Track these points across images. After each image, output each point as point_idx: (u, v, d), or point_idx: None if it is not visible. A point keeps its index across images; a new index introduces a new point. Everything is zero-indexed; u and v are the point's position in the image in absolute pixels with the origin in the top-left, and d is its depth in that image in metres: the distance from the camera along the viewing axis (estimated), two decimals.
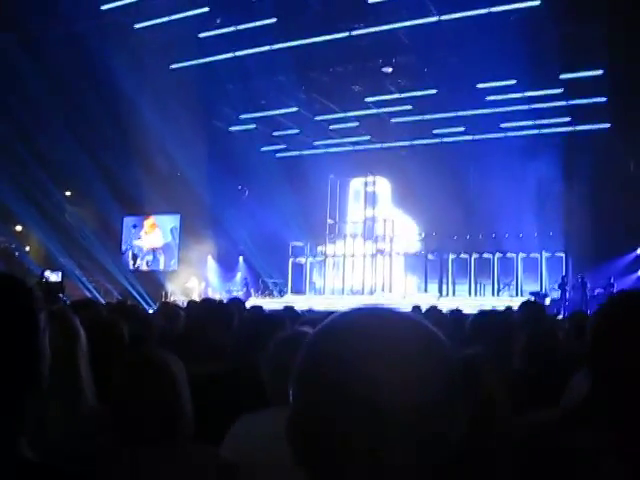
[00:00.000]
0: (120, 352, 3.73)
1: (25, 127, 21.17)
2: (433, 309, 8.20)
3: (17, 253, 25.52)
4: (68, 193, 28.50)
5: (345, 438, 0.94)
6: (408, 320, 1.04)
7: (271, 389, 2.77)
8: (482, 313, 4.90)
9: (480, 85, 22.92)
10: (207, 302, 5.66)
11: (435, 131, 27.60)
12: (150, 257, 31.79)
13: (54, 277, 21.10)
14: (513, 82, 22.36)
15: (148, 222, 32.33)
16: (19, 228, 26.93)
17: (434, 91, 23.66)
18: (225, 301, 10.90)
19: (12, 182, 21.78)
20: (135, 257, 30.59)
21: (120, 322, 3.98)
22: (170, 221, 32.25)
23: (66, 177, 25.47)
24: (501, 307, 11.55)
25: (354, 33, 20.51)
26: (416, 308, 9.71)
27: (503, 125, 26.14)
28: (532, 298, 22.94)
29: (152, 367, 2.38)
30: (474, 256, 27.40)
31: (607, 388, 1.73)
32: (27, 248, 27.01)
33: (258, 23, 20.34)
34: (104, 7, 19.82)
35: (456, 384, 0.98)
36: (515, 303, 10.79)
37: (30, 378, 1.27)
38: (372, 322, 1.02)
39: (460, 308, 9.72)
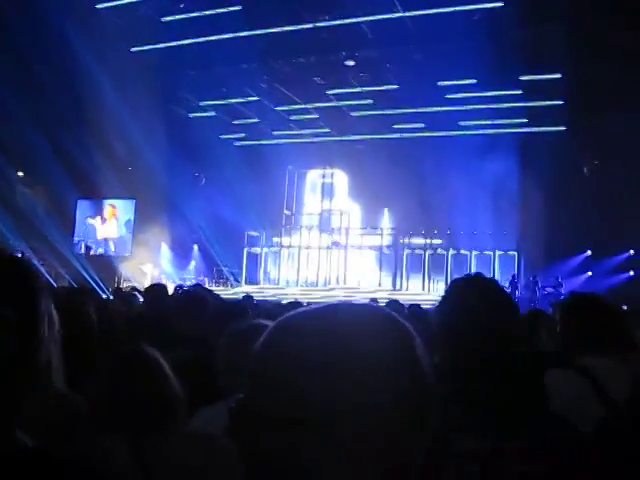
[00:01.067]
0: (89, 337, 3.71)
1: None
2: (394, 302, 8.20)
3: None
4: (20, 173, 27.95)
5: (294, 439, 0.88)
6: (375, 314, 0.99)
7: (224, 380, 2.80)
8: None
9: (441, 83, 23.18)
10: (183, 290, 5.62)
11: (395, 126, 27.78)
12: (102, 250, 31.37)
13: None
14: (474, 81, 22.63)
15: (107, 211, 31.90)
16: None
17: (395, 86, 23.84)
18: (187, 288, 10.90)
19: None
20: (88, 249, 30.16)
21: (89, 307, 3.96)
22: (125, 211, 31.86)
23: (19, 157, 24.97)
24: None
25: (318, 25, 20.51)
26: (373, 301, 9.80)
27: (462, 123, 26.47)
28: None
29: (144, 358, 2.40)
30: (428, 252, 27.72)
31: None
32: None
33: (223, 9, 20.19)
34: None
35: (422, 380, 0.93)
36: None
37: (29, 364, 1.25)
38: (334, 316, 0.96)
39: (417, 303, 9.85)
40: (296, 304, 6.91)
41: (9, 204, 24.93)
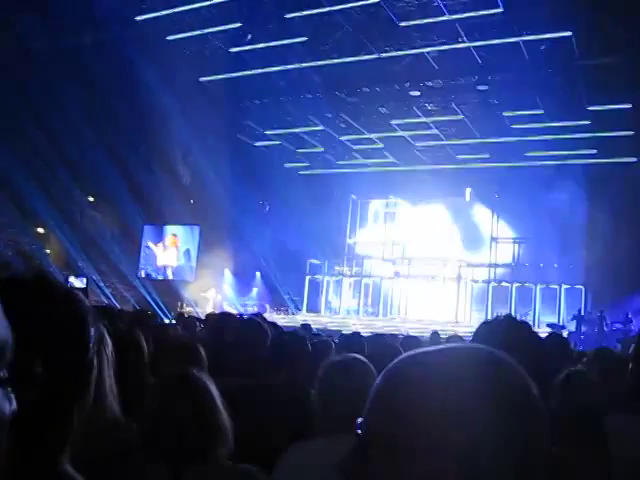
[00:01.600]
0: (141, 367, 3.74)
1: (53, 130, 21.38)
2: (455, 338, 7.93)
3: (38, 255, 25.70)
4: (91, 198, 28.72)
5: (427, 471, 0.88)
6: (486, 362, 0.97)
7: (322, 414, 2.73)
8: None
9: (507, 113, 22.92)
10: (246, 319, 5.53)
11: (459, 156, 27.58)
12: (161, 277, 31.72)
13: (78, 283, 21.21)
14: (540, 112, 22.29)
15: (168, 239, 32.36)
16: (41, 230, 27.15)
17: (460, 117, 23.68)
18: (246, 316, 10.95)
19: (36, 184, 21.99)
20: (148, 275, 30.64)
21: (141, 336, 3.99)
22: (186, 240, 32.25)
23: (90, 182, 25.68)
24: None
25: (384, 55, 20.58)
26: (435, 334, 9.65)
27: (528, 154, 26.07)
28: (549, 330, 22.79)
29: (189, 385, 2.39)
30: (492, 284, 27.28)
31: None
32: (47, 251, 27.20)
33: (289, 41, 20.46)
34: (138, 18, 20.06)
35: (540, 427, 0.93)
36: None
37: (78, 392, 1.23)
38: (451, 360, 0.97)
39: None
40: (356, 336, 6.81)
41: (79, 227, 25.64)
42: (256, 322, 4.60)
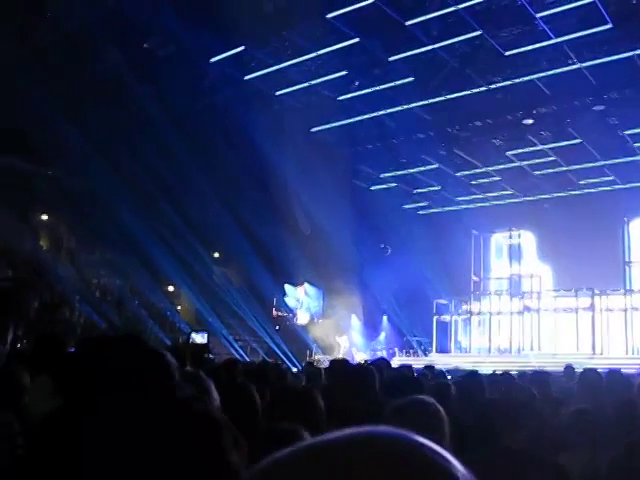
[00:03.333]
0: (253, 419, 3.76)
1: (175, 191, 22.37)
2: (590, 371, 7.14)
3: (169, 313, 26.68)
4: (216, 254, 29.61)
5: None
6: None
7: None
8: None
9: (627, 132, 21.99)
10: (343, 363, 5.33)
11: (581, 181, 26.65)
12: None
13: (199, 338, 21.87)
14: None
15: (303, 300, 32.89)
16: (171, 288, 28.22)
17: (578, 140, 22.91)
18: (369, 361, 10.87)
19: (164, 244, 22.97)
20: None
21: (252, 388, 4.01)
22: (316, 295, 32.70)
23: (214, 239, 26.49)
24: None
25: (492, 86, 20.33)
26: (569, 368, 9.19)
27: None
28: None
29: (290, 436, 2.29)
30: (629, 311, 25.92)
31: None
32: (178, 307, 28.19)
33: (395, 83, 20.59)
34: (247, 77, 20.79)
35: None
36: None
37: None
38: None
39: (617, 367, 9.00)
40: (475, 374, 6.54)
41: (206, 284, 26.46)
42: (365, 367, 4.46)
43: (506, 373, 8.24)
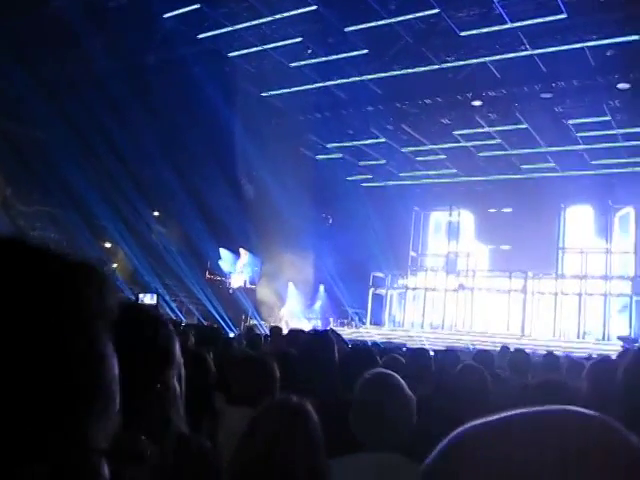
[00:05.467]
0: (208, 387, 3.76)
1: (120, 146, 21.91)
2: (520, 352, 7.42)
3: (105, 269, 26.22)
4: (156, 213, 29.23)
5: None
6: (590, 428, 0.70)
7: (356, 429, 2.69)
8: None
9: (572, 121, 22.45)
10: (315, 334, 5.18)
11: (523, 166, 27.14)
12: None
13: (148, 299, 21.59)
14: (607, 118, 21.78)
15: (240, 265, 32.83)
16: (108, 245, 27.78)
17: (524, 126, 23.28)
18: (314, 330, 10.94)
19: (104, 200, 22.56)
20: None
21: (208, 356, 4.01)
22: (254, 261, 32.74)
23: (155, 197, 26.14)
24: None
25: (444, 65, 20.45)
26: (505, 348, 9.42)
27: (594, 162, 25.47)
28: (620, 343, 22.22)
29: (301, 413, 2.16)
30: (560, 297, 26.68)
31: None
32: (115, 265, 27.78)
33: (349, 54, 20.52)
34: (200, 36, 20.43)
35: None
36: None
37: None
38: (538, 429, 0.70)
39: (550, 350, 9.27)
40: (423, 350, 6.65)
41: (145, 242, 26.12)
42: (325, 337, 4.42)
43: (451, 350, 8.46)
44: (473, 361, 5.23)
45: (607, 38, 17.65)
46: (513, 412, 0.71)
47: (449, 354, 6.30)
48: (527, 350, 8.33)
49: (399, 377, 2.74)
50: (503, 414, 0.72)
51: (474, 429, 0.72)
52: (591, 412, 0.70)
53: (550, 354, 8.27)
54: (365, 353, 4.39)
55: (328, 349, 4.06)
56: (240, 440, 2.17)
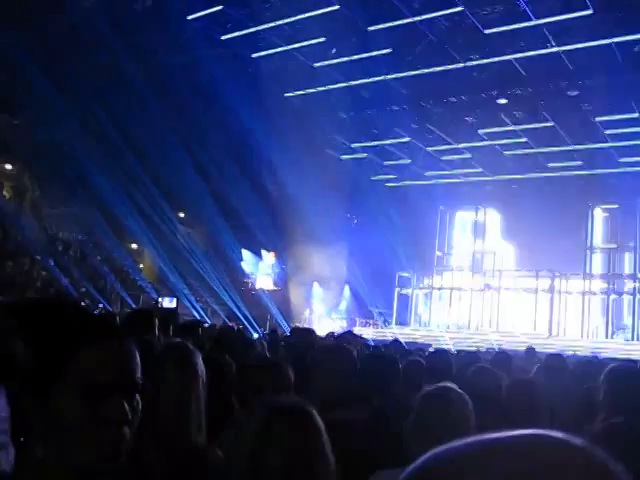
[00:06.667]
0: (226, 394, 3.72)
1: (145, 149, 22.04)
2: (556, 356, 7.10)
3: (131, 270, 26.44)
4: (182, 214, 29.38)
5: None
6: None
7: (414, 445, 2.60)
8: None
9: (599, 118, 22.15)
10: (333, 346, 4.84)
11: (550, 164, 26.87)
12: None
13: (167, 303, 21.68)
14: (635, 115, 21.46)
15: (264, 267, 32.96)
16: (134, 246, 28.00)
17: (550, 124, 23.04)
18: (337, 333, 10.89)
19: (130, 202, 22.72)
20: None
21: (226, 362, 3.97)
22: (279, 262, 32.88)
23: (181, 199, 26.28)
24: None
25: (469, 64, 20.29)
26: (530, 349, 9.30)
27: (622, 159, 25.13)
28: None
29: (300, 422, 2.01)
30: (587, 295, 26.38)
31: None
32: (140, 266, 28.00)
33: (373, 53, 20.44)
34: (224, 37, 20.49)
35: None
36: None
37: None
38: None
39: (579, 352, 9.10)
40: (443, 353, 6.52)
41: (171, 243, 26.29)
42: (345, 350, 4.24)
43: (473, 353, 8.34)
44: (491, 364, 5.15)
45: (635, 34, 17.41)
46: (475, 438, 0.68)
47: (470, 356, 6.20)
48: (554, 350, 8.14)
49: (460, 392, 2.67)
50: (469, 439, 0.67)
51: (432, 457, 0.69)
52: (562, 436, 0.66)
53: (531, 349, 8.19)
54: (385, 359, 4.31)
55: (344, 361, 3.93)
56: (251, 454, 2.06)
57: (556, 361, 6.38)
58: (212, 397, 2.76)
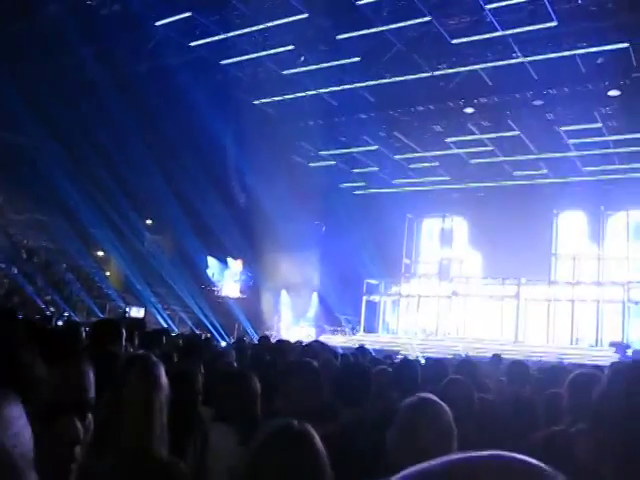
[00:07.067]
0: (192, 405, 3.71)
1: (111, 156, 21.86)
2: (519, 364, 7.21)
3: (97, 278, 26.17)
4: (149, 222, 29.15)
5: None
6: None
7: (398, 456, 2.56)
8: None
9: (563, 128, 22.50)
10: (299, 363, 4.72)
11: (515, 173, 27.20)
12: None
13: (135, 312, 21.44)
14: (598, 125, 21.84)
15: (230, 274, 32.65)
16: (101, 253, 27.70)
17: (516, 133, 23.34)
18: (305, 342, 10.84)
19: (96, 208, 22.47)
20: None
21: (195, 375, 3.94)
22: (245, 270, 32.63)
23: (148, 206, 26.08)
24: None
25: (436, 73, 20.48)
26: (496, 356, 9.36)
27: (585, 168, 25.54)
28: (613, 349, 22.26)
29: (307, 441, 2.02)
30: (552, 303, 26.67)
31: None
32: (107, 273, 27.70)
33: (342, 61, 20.54)
34: (193, 43, 20.41)
35: None
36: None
37: None
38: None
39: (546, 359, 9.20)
40: (409, 362, 6.54)
41: (138, 250, 26.06)
42: (312, 367, 4.17)
43: (439, 362, 8.37)
44: (455, 371, 5.19)
45: (597, 46, 17.75)
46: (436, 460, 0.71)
47: (436, 365, 6.21)
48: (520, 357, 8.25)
49: (442, 404, 2.68)
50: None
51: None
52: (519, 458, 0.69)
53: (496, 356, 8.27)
54: (355, 371, 4.30)
55: (309, 378, 3.90)
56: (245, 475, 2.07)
57: (519, 368, 6.48)
58: (178, 409, 2.75)
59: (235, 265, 32.40)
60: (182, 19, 19.37)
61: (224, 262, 32.13)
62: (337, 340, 25.67)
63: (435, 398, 2.70)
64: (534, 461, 0.69)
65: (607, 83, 19.38)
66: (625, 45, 17.38)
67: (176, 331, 16.97)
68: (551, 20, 16.70)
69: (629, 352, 22.35)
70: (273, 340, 10.14)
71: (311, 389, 3.74)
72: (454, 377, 4.19)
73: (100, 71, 20.15)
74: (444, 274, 29.87)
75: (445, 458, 0.71)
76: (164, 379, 2.57)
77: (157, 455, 2.44)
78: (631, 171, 24.95)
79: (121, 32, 19.80)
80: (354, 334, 28.96)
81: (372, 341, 24.49)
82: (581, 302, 26.20)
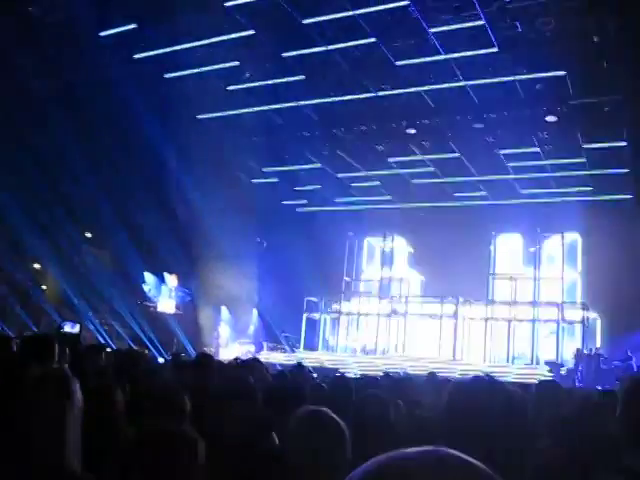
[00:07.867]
0: (115, 421, 3.65)
1: (50, 167, 21.41)
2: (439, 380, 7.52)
3: (32, 292, 25.53)
4: (88, 235, 28.63)
5: None
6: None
7: (291, 469, 2.61)
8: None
9: (503, 151, 23.04)
10: (231, 379, 4.83)
11: (456, 194, 27.67)
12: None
13: (69, 328, 20.97)
14: (536, 149, 22.44)
15: (166, 290, 32.00)
16: (37, 266, 27.07)
17: (457, 154, 23.78)
18: (242, 359, 10.77)
19: (32, 220, 21.94)
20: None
21: (116, 390, 3.88)
22: (184, 285, 32.03)
23: (86, 219, 25.61)
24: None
25: (380, 94, 20.75)
26: (431, 375, 9.47)
27: (524, 191, 26.16)
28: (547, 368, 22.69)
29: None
30: (490, 321, 27.11)
31: None
32: (43, 287, 27.07)
33: (287, 79, 20.64)
34: (137, 56, 20.22)
35: None
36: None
37: None
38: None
39: (483, 374, 9.40)
40: (343, 379, 6.61)
41: (75, 264, 25.54)
42: (246, 384, 4.20)
43: (373, 379, 8.43)
44: (389, 389, 5.25)
45: (536, 72, 18.28)
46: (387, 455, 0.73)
47: (370, 382, 6.28)
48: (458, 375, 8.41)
49: (331, 414, 2.68)
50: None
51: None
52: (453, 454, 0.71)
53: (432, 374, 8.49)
54: (289, 389, 4.31)
55: (243, 395, 3.92)
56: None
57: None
58: (97, 425, 2.71)
59: (171, 280, 31.92)
60: (127, 31, 19.18)
61: (161, 277, 31.66)
62: (277, 357, 25.58)
63: (326, 410, 2.74)
64: (469, 458, 0.71)
65: (545, 109, 19.93)
66: (562, 73, 17.93)
67: (113, 347, 16.66)
68: (492, 46, 17.13)
69: (563, 371, 22.86)
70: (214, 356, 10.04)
71: (244, 407, 3.75)
72: (371, 392, 4.25)
73: (40, 80, 19.77)
74: (384, 293, 30.07)
75: (375, 458, 0.72)
76: (78, 394, 2.55)
77: (70, 471, 2.41)
78: (567, 195, 25.67)
79: (63, 41, 19.49)
80: (294, 351, 28.89)
81: (311, 358, 24.51)
82: (518, 322, 26.68)
